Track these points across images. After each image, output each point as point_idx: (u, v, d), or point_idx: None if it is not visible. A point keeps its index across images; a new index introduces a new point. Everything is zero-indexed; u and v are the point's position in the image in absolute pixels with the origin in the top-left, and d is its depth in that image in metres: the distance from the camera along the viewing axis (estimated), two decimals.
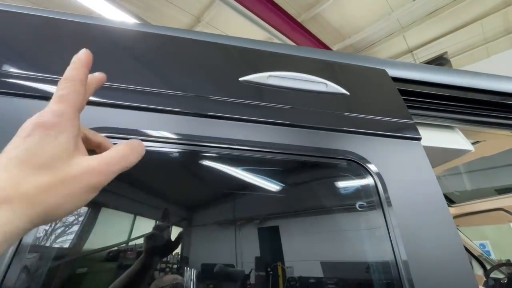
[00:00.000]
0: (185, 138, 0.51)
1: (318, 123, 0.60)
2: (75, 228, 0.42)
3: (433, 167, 0.61)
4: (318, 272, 0.48)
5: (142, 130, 0.49)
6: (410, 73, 0.77)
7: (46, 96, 0.48)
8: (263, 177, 0.54)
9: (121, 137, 0.48)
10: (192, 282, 0.42)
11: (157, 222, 0.46)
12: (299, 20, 4.62)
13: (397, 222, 0.51)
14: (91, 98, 0.49)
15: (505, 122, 0.86)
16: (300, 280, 0.46)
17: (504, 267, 2.16)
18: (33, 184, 0.22)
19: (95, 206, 0.44)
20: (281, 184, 0.55)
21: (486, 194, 2.07)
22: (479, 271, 2.24)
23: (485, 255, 2.29)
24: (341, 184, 0.58)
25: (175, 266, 0.43)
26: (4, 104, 0.46)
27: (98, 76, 0.34)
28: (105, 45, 0.58)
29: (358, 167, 0.57)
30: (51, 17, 0.59)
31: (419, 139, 0.64)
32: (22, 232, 0.22)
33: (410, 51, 5.49)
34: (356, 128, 0.61)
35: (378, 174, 0.56)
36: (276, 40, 4.69)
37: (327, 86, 0.65)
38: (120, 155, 0.28)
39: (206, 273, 0.44)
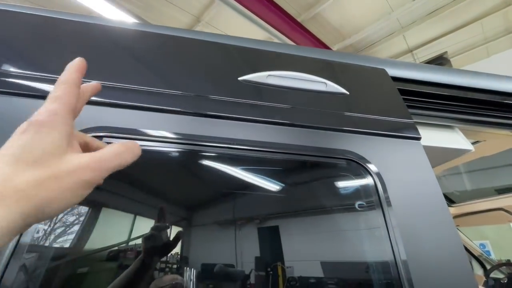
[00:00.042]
0: (184, 138, 0.51)
1: (318, 123, 0.60)
2: (73, 228, 0.42)
3: (433, 166, 0.61)
4: (318, 272, 0.48)
5: (142, 130, 0.49)
6: (410, 73, 0.77)
7: (45, 96, 0.48)
8: (262, 176, 0.54)
9: (121, 136, 0.48)
10: (191, 282, 0.42)
11: (156, 222, 0.46)
12: (299, 20, 4.62)
13: (397, 222, 0.51)
14: (91, 98, 0.49)
15: (505, 122, 0.86)
16: (300, 280, 0.46)
17: (504, 267, 2.15)
18: (25, 179, 0.23)
19: (94, 205, 0.44)
20: (280, 183, 0.55)
21: (486, 194, 2.07)
22: (479, 271, 2.24)
23: (485, 255, 2.29)
24: (340, 184, 0.58)
25: (174, 266, 0.43)
26: (4, 104, 0.46)
27: (94, 84, 0.36)
28: (105, 44, 0.58)
29: (357, 166, 0.57)
30: (50, 16, 0.59)
31: (419, 138, 0.64)
32: (15, 229, 0.22)
33: (410, 51, 5.49)
34: (355, 127, 0.61)
35: (378, 174, 0.56)
36: (276, 40, 4.68)
37: (326, 85, 0.65)
38: (114, 153, 0.28)
39: (206, 273, 0.43)
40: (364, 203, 0.55)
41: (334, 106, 0.64)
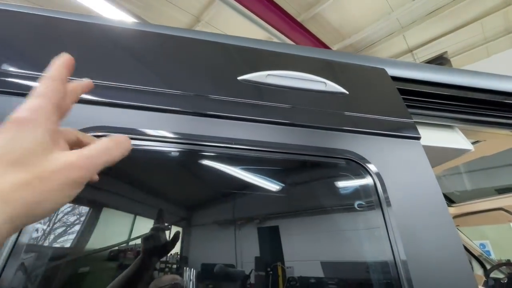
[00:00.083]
0: (184, 137, 0.51)
1: (317, 122, 0.60)
2: (72, 228, 0.42)
3: (432, 166, 0.61)
4: (318, 272, 0.48)
5: (141, 129, 0.49)
6: (409, 72, 0.77)
7: None
8: (262, 176, 0.54)
9: None
10: (191, 282, 0.42)
11: (156, 222, 0.46)
12: (298, 19, 4.62)
13: (397, 221, 0.51)
14: (91, 97, 0.49)
15: (505, 122, 0.86)
16: (300, 280, 0.46)
17: (504, 267, 2.16)
18: (9, 180, 0.21)
19: (94, 205, 0.44)
20: (280, 183, 0.55)
21: (486, 194, 2.07)
22: (479, 271, 2.24)
23: (485, 255, 2.29)
24: (340, 183, 0.58)
25: (174, 266, 0.43)
26: (4, 104, 0.46)
27: (85, 82, 0.34)
28: (105, 44, 0.58)
29: (357, 166, 0.57)
30: (50, 16, 0.59)
31: (418, 138, 0.64)
32: (3, 233, 0.20)
33: (410, 50, 5.49)
34: (355, 127, 0.61)
35: (378, 174, 0.56)
36: (275, 40, 4.68)
37: (326, 85, 0.65)
38: (103, 148, 0.27)
39: (206, 273, 0.43)
40: (363, 203, 0.54)
41: (334, 105, 0.64)
